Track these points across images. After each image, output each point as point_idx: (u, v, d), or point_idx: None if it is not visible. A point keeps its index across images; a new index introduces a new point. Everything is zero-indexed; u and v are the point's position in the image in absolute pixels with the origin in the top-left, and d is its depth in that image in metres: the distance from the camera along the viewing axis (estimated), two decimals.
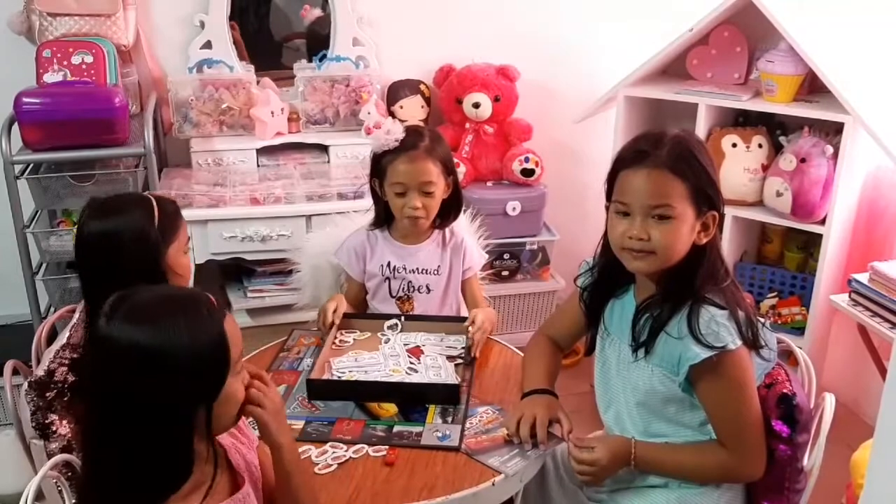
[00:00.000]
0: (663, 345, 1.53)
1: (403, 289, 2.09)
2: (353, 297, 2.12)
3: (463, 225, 2.21)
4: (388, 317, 2.01)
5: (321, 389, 1.74)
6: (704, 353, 1.46)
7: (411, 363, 1.84)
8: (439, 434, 1.61)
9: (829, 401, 1.61)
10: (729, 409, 1.52)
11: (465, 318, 1.98)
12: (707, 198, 1.50)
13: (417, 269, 2.08)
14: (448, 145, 2.09)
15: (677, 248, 1.50)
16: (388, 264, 2.07)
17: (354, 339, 1.96)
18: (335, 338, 1.95)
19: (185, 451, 1.17)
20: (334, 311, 1.98)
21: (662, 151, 1.48)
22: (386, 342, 1.93)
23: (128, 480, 1.14)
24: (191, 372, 1.14)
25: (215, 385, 1.17)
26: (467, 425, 1.64)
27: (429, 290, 2.09)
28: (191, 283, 1.76)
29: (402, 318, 2.00)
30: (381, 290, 2.09)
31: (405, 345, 1.92)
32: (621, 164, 1.53)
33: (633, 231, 1.50)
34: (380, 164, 2.00)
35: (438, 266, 2.09)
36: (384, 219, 2.08)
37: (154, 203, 1.66)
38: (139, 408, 1.12)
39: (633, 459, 1.56)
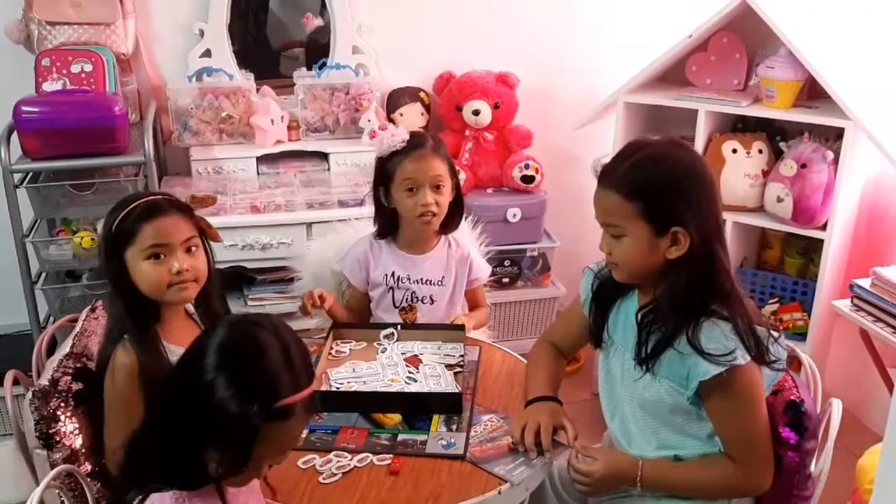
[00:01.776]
0: (670, 359, 1.51)
1: (407, 299, 2.07)
2: (356, 306, 2.11)
3: (467, 237, 2.20)
4: (384, 326, 1.99)
5: (321, 400, 1.71)
6: (714, 370, 1.45)
7: (410, 372, 1.82)
8: (444, 442, 1.60)
9: (836, 406, 1.61)
10: (738, 424, 1.51)
11: (462, 328, 1.96)
12: (670, 215, 1.46)
13: (421, 279, 2.06)
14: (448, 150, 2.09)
15: (636, 264, 1.52)
16: (392, 274, 2.06)
17: (351, 350, 1.94)
18: (331, 348, 1.93)
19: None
20: (320, 297, 1.97)
21: (619, 170, 1.50)
22: (383, 352, 1.91)
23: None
24: None
25: None
26: (472, 433, 1.63)
27: (432, 301, 2.07)
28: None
29: (398, 327, 1.98)
30: (385, 299, 2.08)
31: (402, 354, 1.90)
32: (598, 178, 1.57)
33: (601, 244, 1.56)
34: (386, 169, 1.98)
35: (443, 277, 2.08)
36: (389, 229, 2.07)
37: (135, 203, 1.58)
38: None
39: (639, 482, 1.54)
